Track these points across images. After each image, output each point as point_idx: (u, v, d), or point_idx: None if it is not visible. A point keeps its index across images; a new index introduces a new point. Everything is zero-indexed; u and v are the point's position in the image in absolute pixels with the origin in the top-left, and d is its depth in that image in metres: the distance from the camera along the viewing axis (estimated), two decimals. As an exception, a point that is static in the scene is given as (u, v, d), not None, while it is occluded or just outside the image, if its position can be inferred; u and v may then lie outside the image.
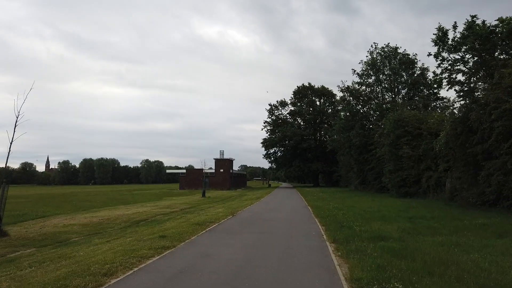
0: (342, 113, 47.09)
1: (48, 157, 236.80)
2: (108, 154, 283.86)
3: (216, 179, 67.33)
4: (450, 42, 21.67)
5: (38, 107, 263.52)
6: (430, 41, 21.97)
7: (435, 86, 23.09)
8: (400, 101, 41.21)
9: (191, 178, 68.21)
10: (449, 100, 41.90)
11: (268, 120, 79.16)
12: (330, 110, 77.48)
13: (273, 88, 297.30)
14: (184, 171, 69.60)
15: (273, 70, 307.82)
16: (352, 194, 38.18)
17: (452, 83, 21.46)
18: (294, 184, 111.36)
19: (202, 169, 69.45)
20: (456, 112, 21.82)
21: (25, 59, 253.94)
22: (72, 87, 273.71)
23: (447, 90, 21.93)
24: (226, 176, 67.62)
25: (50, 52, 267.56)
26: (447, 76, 22.27)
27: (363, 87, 42.98)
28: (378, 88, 43.34)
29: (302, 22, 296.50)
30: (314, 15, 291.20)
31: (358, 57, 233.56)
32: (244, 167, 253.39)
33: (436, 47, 22.29)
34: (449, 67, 21.87)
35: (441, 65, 22.17)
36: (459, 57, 21.45)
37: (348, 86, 43.85)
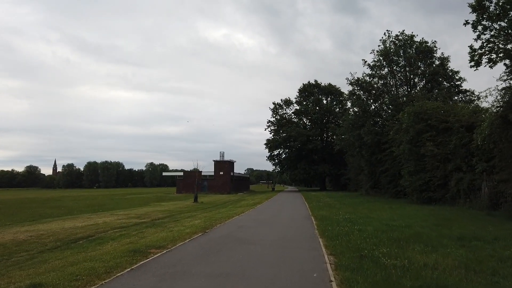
0: (351, 110, 42.20)
1: (55, 161, 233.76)
2: (115, 158, 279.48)
3: (216, 183, 62.68)
4: (492, 7, 16.90)
5: (46, 112, 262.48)
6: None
7: (472, 64, 18.14)
8: (418, 93, 36.37)
9: (189, 181, 63.53)
10: (472, 93, 37.14)
11: (272, 119, 74.51)
12: (338, 109, 72.69)
13: (279, 91, 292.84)
14: (181, 173, 65.04)
15: (279, 73, 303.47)
16: (363, 199, 33.30)
17: (498, 56, 16.62)
18: (300, 188, 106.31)
19: (200, 172, 65.08)
20: (501, 96, 16.89)
21: (32, 64, 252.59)
22: (79, 91, 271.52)
23: (491, 67, 17.19)
24: (226, 179, 62.95)
25: (56, 56, 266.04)
26: (487, 51, 17.47)
27: (375, 79, 38.07)
28: (392, 81, 38.42)
29: (308, 24, 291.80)
30: (321, 16, 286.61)
31: (366, 59, 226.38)
32: (250, 170, 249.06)
33: (475, 14, 17.51)
34: (492, 39, 17.05)
35: (482, 36, 17.35)
36: (506, 25, 16.65)
37: (358, 78, 38.95)
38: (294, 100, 74.73)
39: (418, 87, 37.59)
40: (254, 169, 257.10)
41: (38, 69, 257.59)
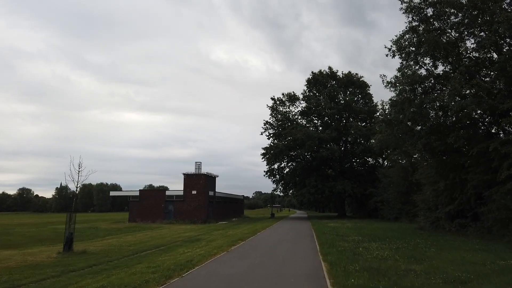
0: (405, 70, 21.98)
1: (61, 184, 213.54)
2: (126, 181, 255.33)
3: (186, 206, 42.65)
4: None
5: (57, 135, 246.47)
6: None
7: None
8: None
9: (148, 204, 43.94)
10: None
11: (271, 120, 54.87)
12: (362, 105, 53.02)
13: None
14: (137, 193, 45.15)
15: (285, 90, 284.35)
16: (465, 250, 13.25)
17: None
18: (310, 213, 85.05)
19: (164, 191, 45.36)
20: None
21: (33, 84, 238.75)
22: (90, 114, 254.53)
23: None
24: (201, 202, 42.86)
25: (56, 75, 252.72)
26: None
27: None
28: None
29: (315, 39, 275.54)
30: (328, 30, 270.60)
31: (377, 76, 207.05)
32: (258, 193, 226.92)
33: None
34: None
35: None
36: None
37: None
38: (300, 96, 55.32)
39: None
40: (263, 192, 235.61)
41: (39, 89, 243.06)
